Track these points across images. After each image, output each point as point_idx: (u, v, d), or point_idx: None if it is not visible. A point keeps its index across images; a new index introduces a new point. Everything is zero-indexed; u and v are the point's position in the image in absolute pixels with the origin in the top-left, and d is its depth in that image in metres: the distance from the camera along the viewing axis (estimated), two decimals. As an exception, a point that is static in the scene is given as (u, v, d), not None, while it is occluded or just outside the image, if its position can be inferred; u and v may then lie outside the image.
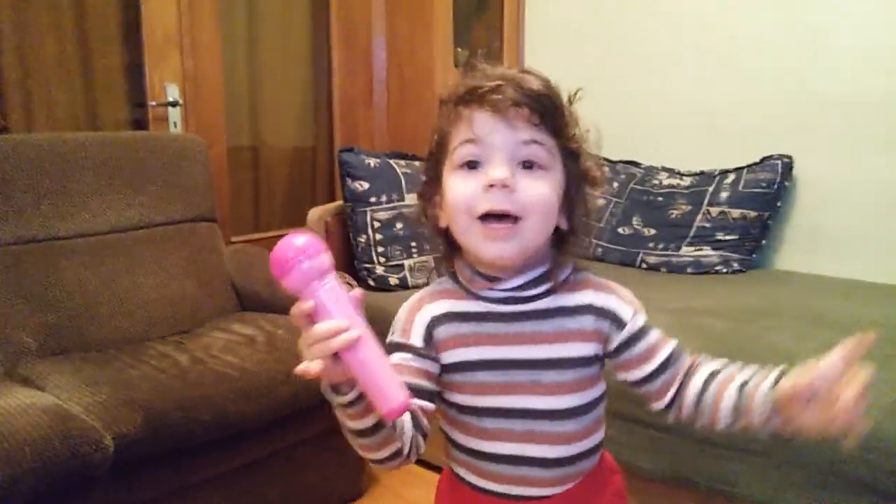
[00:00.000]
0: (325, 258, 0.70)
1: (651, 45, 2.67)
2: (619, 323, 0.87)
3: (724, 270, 2.28)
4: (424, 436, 0.83)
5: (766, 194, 2.28)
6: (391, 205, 2.35)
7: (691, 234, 2.35)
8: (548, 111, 0.82)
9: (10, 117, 2.20)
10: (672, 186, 2.48)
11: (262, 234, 2.84)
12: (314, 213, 2.43)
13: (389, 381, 0.71)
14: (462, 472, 0.93)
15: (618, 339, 0.87)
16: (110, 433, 1.40)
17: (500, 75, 0.82)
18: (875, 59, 2.16)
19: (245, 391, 1.63)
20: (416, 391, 0.79)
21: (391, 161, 2.44)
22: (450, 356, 0.87)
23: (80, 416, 1.42)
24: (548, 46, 3.00)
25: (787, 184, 2.30)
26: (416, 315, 0.88)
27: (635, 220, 2.48)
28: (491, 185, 0.79)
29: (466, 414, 0.88)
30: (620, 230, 2.50)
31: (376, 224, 2.33)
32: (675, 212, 2.41)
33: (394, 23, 2.97)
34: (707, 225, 2.33)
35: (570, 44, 2.91)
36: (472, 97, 0.81)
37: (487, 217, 0.80)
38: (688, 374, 0.89)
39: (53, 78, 2.30)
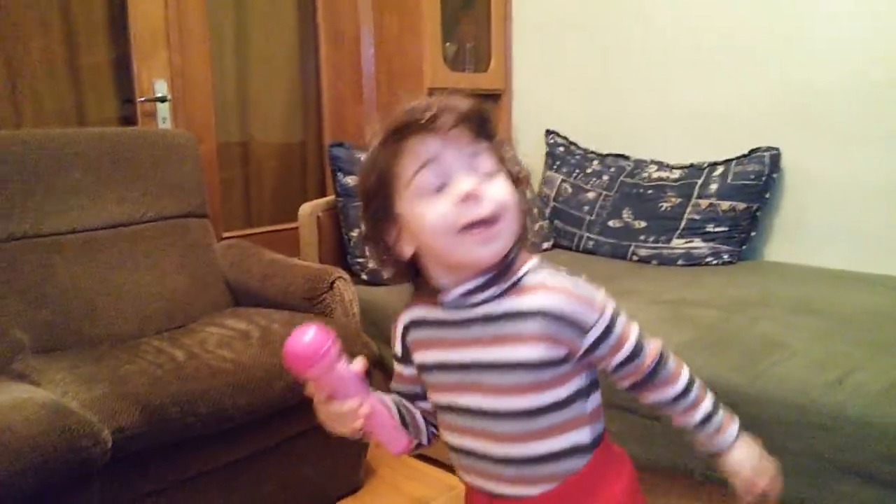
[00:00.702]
0: (335, 344, 0.82)
1: (638, 39, 2.69)
2: (581, 328, 0.86)
3: (715, 262, 2.30)
4: (436, 426, 0.99)
5: (754, 186, 2.31)
6: (383, 199, 2.35)
7: (681, 226, 2.37)
8: (483, 124, 0.87)
9: (-2, 114, 2.19)
10: (661, 179, 2.50)
11: (254, 230, 2.83)
12: (306, 209, 2.43)
13: (392, 432, 0.93)
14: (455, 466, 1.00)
15: (583, 342, 0.87)
16: (108, 427, 1.40)
17: (429, 104, 0.84)
18: (861, 51, 2.18)
19: (241, 385, 1.63)
20: (409, 395, 0.99)
21: (382, 155, 2.44)
22: (417, 357, 0.96)
23: (77, 411, 1.41)
24: (535, 40, 3.01)
25: (774, 176, 2.32)
26: (398, 324, 0.98)
27: (625, 213, 2.50)
28: (466, 197, 0.82)
29: (438, 409, 0.97)
30: (611, 223, 2.52)
31: (368, 218, 2.33)
32: (665, 204, 2.43)
33: (381, 17, 2.96)
34: (697, 217, 2.35)
35: (557, 37, 2.93)
36: (413, 127, 0.84)
37: (470, 226, 0.83)
38: (652, 376, 0.93)
39: (40, 74, 2.28)
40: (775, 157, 2.32)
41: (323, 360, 0.80)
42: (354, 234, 2.34)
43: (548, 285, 0.87)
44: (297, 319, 1.94)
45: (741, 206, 2.31)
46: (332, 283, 2.01)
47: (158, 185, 2.16)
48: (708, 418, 0.94)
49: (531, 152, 2.93)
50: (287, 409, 1.72)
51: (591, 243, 2.55)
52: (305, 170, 3.12)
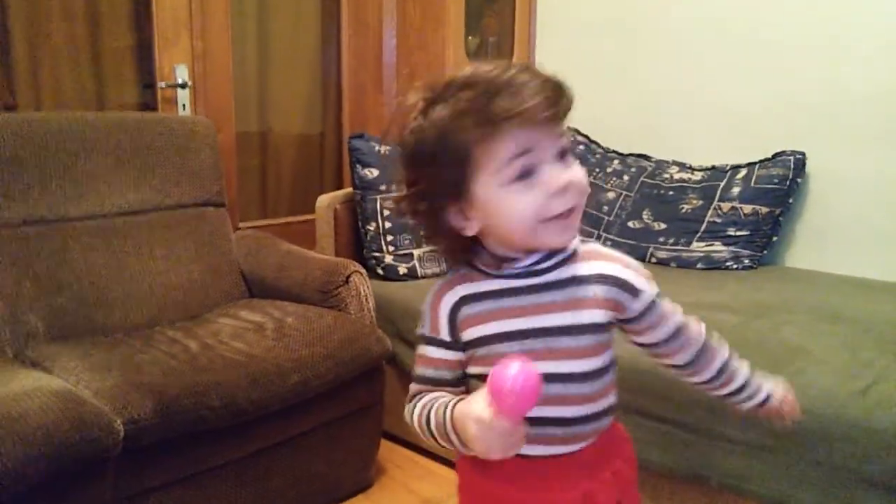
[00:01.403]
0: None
1: (663, 38, 2.65)
2: (634, 292, 0.91)
3: (735, 266, 2.27)
4: None
5: (778, 190, 2.27)
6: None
7: (702, 229, 2.34)
8: (567, 107, 0.86)
9: (18, 96, 2.18)
10: (683, 181, 2.46)
11: (270, 221, 2.82)
12: (323, 201, 2.41)
13: None
14: None
15: (634, 306, 0.91)
16: (121, 418, 1.39)
17: (536, 89, 0.81)
18: (892, 56, 2.14)
19: (254, 377, 1.61)
20: (447, 381, 0.93)
21: (401, 149, 2.42)
22: (470, 334, 0.91)
23: (90, 399, 1.41)
24: (559, 37, 2.98)
25: (799, 180, 2.28)
26: (438, 309, 0.93)
27: (645, 214, 2.47)
28: (562, 191, 0.83)
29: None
30: (630, 224, 2.49)
31: (386, 212, 2.31)
32: (686, 206, 2.40)
33: (404, 9, 2.94)
34: (718, 220, 2.32)
35: (581, 34, 2.89)
36: (509, 115, 0.80)
37: (556, 216, 0.84)
38: (704, 350, 0.99)
39: (62, 58, 2.28)
40: (800, 161, 2.28)
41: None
42: (371, 227, 2.32)
43: (603, 254, 0.93)
44: (311, 313, 1.92)
45: (764, 210, 2.28)
46: (348, 276, 2.00)
47: (177, 173, 2.15)
48: (744, 386, 1.01)
49: (551, 150, 2.89)
50: (300, 403, 1.71)
51: (609, 244, 2.52)
52: (323, 161, 3.10)
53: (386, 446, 2.14)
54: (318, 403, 1.76)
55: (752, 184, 2.31)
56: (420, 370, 0.96)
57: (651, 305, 0.92)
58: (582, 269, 0.90)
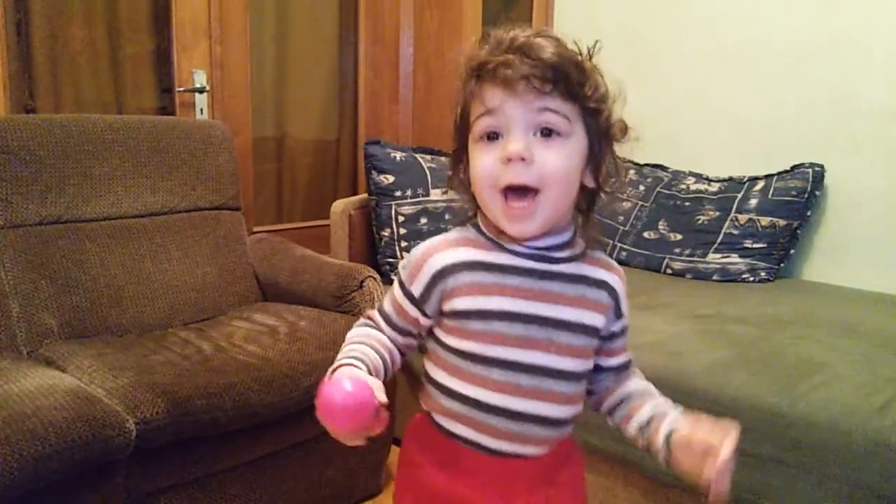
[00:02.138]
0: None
1: (682, 49, 2.64)
2: (618, 312, 0.93)
3: (751, 279, 2.25)
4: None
5: (795, 203, 2.25)
6: (416, 199, 2.33)
7: (718, 240, 2.32)
8: (559, 77, 0.81)
9: (37, 101, 2.19)
10: (700, 192, 2.45)
11: (285, 225, 2.83)
12: (338, 206, 2.41)
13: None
14: (448, 425, 0.91)
15: (613, 327, 0.93)
16: (133, 418, 1.38)
17: (508, 46, 0.82)
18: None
19: (267, 381, 1.61)
20: (405, 332, 0.92)
21: (417, 156, 2.42)
22: (465, 302, 0.86)
23: (103, 399, 1.40)
24: (575, 46, 2.97)
25: (817, 193, 2.26)
26: (426, 261, 0.88)
27: (661, 225, 2.46)
28: (509, 159, 0.81)
29: (474, 363, 0.87)
30: (646, 234, 2.47)
31: (401, 218, 2.31)
32: (703, 217, 2.38)
33: (422, 17, 2.95)
34: (735, 232, 2.30)
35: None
36: (483, 72, 0.82)
37: (509, 190, 0.82)
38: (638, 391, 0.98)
39: (82, 63, 2.29)
40: (819, 174, 2.26)
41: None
42: (386, 233, 2.32)
43: (610, 263, 0.93)
44: (325, 317, 1.92)
45: (781, 222, 2.26)
46: (363, 281, 1.99)
47: (193, 176, 2.15)
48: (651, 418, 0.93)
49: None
50: (311, 407, 1.69)
51: (623, 254, 2.51)
52: (338, 167, 3.11)
53: (396, 452, 2.13)
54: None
55: (770, 196, 2.29)
56: (386, 303, 0.94)
57: (623, 331, 0.95)
58: (592, 271, 0.90)
